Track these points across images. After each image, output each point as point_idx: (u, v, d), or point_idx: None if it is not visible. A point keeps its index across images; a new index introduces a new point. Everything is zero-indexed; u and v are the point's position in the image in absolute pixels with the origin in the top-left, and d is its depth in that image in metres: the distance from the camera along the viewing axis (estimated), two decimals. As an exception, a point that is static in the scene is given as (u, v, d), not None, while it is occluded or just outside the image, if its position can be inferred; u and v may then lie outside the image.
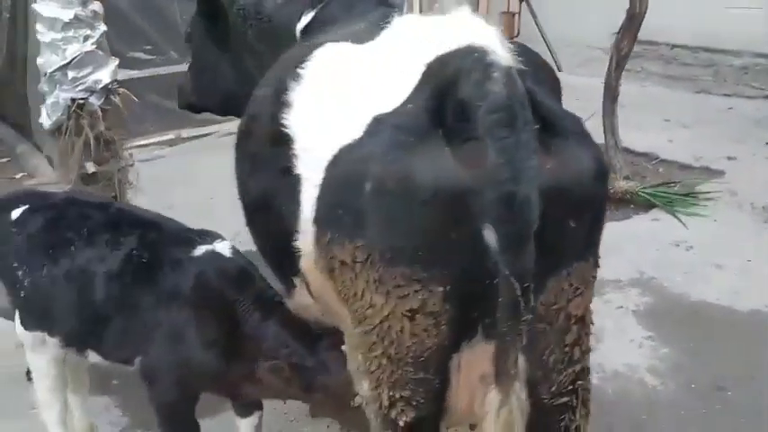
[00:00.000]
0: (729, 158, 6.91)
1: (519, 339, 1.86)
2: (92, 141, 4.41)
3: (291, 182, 2.32)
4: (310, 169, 2.18)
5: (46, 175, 7.86)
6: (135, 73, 8.17)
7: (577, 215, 1.86)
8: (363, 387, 2.31)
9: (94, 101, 4.42)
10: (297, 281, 2.69)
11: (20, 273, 3.11)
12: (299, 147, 2.27)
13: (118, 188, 4.79)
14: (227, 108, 4.08)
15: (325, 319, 2.87)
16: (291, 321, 2.92)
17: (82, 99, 4.39)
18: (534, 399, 2.01)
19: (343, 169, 1.99)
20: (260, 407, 3.30)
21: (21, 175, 8.04)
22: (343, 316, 2.28)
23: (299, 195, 2.25)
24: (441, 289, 1.90)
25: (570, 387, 2.06)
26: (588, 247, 1.96)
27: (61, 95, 4.36)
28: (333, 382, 2.76)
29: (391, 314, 1.98)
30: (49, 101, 4.42)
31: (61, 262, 3.02)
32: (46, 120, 4.48)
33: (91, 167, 4.47)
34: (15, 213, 3.20)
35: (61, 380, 3.36)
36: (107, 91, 4.49)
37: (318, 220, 2.08)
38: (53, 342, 3.18)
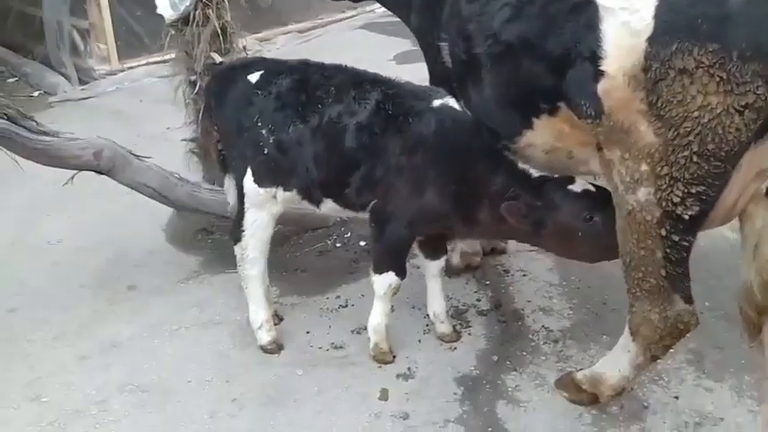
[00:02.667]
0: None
1: None
2: (219, 31, 4.47)
3: (585, 16, 2.63)
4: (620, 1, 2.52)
5: (68, 91, 7.67)
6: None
7: None
8: (638, 195, 2.71)
9: (222, -9, 4.46)
10: (538, 122, 3.04)
11: (264, 131, 3.32)
12: None
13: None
14: None
15: (545, 158, 3.22)
16: (516, 169, 3.23)
17: (210, -11, 4.42)
18: None
19: None
20: (445, 251, 3.68)
21: (37, 93, 7.79)
22: (632, 133, 2.61)
23: (599, 26, 2.56)
24: None
25: None
26: None
27: (191, -16, 4.37)
28: (562, 215, 3.12)
29: (724, 111, 2.37)
30: (180, -11, 4.42)
31: (311, 117, 3.26)
32: (167, 9, 4.47)
33: (217, 57, 4.52)
34: (253, 78, 3.39)
35: (269, 240, 3.59)
36: (231, -19, 4.54)
37: (656, 37, 2.40)
38: (283, 198, 3.43)
